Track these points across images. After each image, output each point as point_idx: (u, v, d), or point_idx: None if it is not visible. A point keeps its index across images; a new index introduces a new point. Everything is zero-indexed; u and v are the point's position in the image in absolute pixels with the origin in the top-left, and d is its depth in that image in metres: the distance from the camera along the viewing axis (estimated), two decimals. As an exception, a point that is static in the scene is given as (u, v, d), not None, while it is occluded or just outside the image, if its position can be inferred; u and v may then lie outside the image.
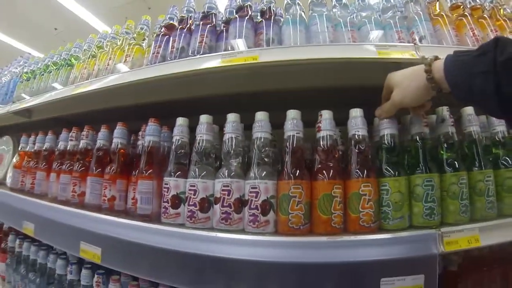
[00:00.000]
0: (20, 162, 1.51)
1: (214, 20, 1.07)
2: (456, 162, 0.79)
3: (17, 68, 1.94)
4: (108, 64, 1.28)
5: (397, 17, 0.94)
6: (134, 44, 1.34)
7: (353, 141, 0.79)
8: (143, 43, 1.33)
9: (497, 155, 0.87)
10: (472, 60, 0.61)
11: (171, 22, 1.16)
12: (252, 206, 0.76)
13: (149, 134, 0.94)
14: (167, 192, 0.84)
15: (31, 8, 5.09)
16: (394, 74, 0.78)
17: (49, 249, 1.28)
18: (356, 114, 0.81)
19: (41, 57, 1.84)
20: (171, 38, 1.06)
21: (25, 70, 1.78)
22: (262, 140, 0.81)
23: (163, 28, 1.13)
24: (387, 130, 0.81)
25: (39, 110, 1.62)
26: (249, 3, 1.05)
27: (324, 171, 0.76)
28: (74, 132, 1.23)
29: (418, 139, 0.81)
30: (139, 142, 1.06)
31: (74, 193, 1.10)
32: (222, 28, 1.06)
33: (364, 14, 0.97)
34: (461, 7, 0.98)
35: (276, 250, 0.69)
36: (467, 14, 0.94)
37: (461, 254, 0.86)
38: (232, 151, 0.82)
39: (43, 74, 1.58)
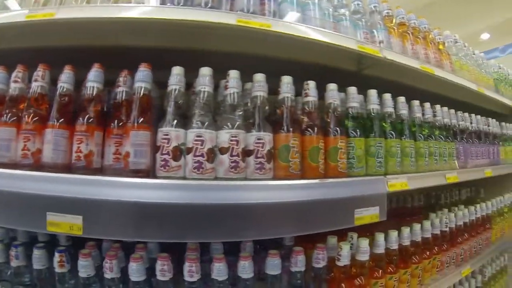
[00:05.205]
0: None
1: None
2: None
3: None
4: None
5: (364, 20, 1.20)
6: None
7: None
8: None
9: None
10: None
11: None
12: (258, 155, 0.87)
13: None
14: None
15: None
16: None
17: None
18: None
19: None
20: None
21: None
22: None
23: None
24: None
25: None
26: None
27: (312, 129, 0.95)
28: (20, 72, 0.93)
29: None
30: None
31: (27, 151, 0.88)
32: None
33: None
34: (406, 25, 1.33)
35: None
36: (409, 33, 1.29)
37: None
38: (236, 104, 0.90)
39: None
